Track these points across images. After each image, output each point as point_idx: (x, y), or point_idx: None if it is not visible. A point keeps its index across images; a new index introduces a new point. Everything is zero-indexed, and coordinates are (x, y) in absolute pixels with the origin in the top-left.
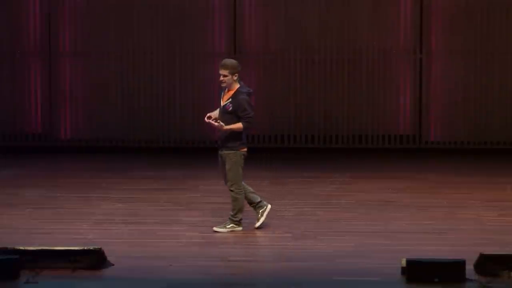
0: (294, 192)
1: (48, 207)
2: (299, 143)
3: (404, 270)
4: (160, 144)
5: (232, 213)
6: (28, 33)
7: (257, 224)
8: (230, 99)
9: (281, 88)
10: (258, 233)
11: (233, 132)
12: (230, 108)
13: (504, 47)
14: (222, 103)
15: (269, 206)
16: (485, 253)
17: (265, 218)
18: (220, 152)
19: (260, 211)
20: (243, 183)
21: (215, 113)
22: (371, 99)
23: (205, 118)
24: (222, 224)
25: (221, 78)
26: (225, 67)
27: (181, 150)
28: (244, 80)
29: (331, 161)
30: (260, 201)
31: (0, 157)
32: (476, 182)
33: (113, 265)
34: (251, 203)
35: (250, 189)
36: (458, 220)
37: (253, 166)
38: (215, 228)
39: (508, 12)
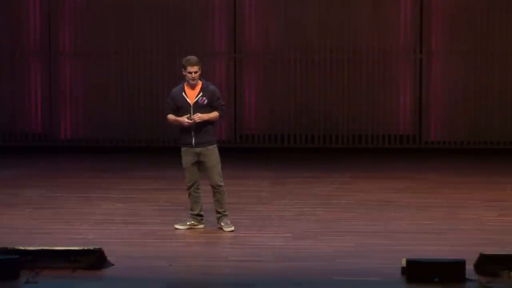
0: (294, 192)
1: (48, 207)
2: (299, 143)
3: (404, 270)
4: (160, 144)
5: (224, 209)
6: (28, 33)
7: (178, 226)
8: (201, 93)
9: (281, 88)
10: (258, 233)
11: (209, 125)
12: (205, 101)
13: (504, 47)
14: (191, 101)
15: (201, 226)
16: (485, 253)
17: (183, 229)
18: (198, 149)
19: (193, 222)
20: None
21: (184, 118)
22: (371, 99)
23: (186, 122)
24: (228, 223)
25: (194, 74)
26: (197, 63)
27: (181, 150)
28: (244, 80)
29: (331, 161)
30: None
31: (0, 157)
32: (476, 182)
33: (113, 265)
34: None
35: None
36: (458, 220)
37: (253, 166)
38: (227, 229)
39: (508, 12)
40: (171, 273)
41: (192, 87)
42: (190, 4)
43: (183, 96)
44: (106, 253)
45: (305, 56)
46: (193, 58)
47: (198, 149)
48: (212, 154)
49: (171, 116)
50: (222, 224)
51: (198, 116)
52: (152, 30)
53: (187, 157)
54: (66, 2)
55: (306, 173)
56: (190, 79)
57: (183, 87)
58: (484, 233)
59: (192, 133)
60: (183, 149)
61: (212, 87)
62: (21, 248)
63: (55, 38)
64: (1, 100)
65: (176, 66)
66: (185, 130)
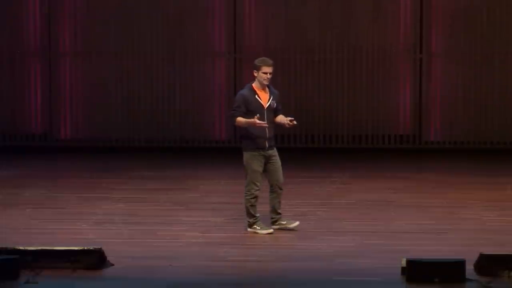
0: (294, 192)
1: (48, 207)
2: (299, 143)
3: (404, 270)
4: (160, 144)
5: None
6: (28, 33)
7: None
8: (271, 96)
9: (281, 88)
10: (258, 233)
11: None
12: (275, 105)
13: (504, 47)
14: (265, 104)
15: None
16: (485, 253)
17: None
18: (269, 152)
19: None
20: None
21: (258, 119)
22: (371, 99)
23: (259, 123)
24: (289, 220)
25: (269, 75)
26: (273, 64)
27: (181, 150)
28: (244, 80)
29: (331, 161)
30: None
31: (0, 157)
32: (476, 182)
33: (113, 265)
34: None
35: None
36: (458, 220)
37: None
38: (292, 225)
39: (508, 12)
40: (171, 273)
41: (264, 89)
42: (190, 4)
43: (257, 100)
44: (106, 253)
45: (305, 56)
46: (268, 59)
47: (269, 152)
48: (277, 155)
49: (242, 119)
50: (285, 222)
51: (294, 122)
52: (152, 30)
53: (259, 160)
54: (66, 2)
55: (306, 173)
56: (264, 79)
57: (254, 90)
58: (484, 233)
59: (267, 136)
60: (254, 153)
61: (276, 90)
62: (21, 248)
63: (55, 38)
64: (1, 100)
65: (176, 66)
66: (259, 134)
